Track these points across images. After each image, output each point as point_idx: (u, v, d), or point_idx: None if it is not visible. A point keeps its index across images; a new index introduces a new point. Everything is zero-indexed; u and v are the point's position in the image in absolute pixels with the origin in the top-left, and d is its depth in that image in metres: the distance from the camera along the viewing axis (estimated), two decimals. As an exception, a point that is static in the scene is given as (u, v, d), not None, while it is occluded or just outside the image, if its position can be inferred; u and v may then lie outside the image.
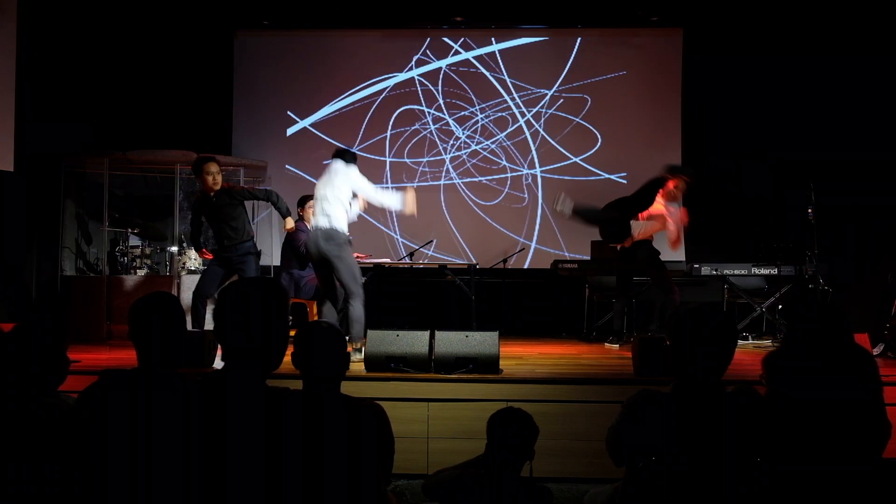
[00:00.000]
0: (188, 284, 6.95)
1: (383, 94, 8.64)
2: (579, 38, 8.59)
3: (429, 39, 8.66)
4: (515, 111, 8.58)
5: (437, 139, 8.62)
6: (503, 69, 8.61)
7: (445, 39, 8.65)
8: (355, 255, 5.61)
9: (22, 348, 2.34)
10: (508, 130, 8.57)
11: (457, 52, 8.64)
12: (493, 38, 8.62)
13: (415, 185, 8.52)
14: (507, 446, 2.66)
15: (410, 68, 8.66)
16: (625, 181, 8.31)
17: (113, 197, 7.57)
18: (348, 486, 2.15)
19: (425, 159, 8.61)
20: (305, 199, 6.33)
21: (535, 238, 8.45)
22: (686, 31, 8.36)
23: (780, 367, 2.41)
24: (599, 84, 8.52)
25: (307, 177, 8.48)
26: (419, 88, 8.64)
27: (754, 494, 2.10)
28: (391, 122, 8.64)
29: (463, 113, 8.62)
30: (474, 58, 8.63)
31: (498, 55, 8.62)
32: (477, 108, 8.61)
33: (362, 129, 8.63)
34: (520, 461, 2.69)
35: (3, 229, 6.73)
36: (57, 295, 7.23)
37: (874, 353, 5.44)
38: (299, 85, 8.67)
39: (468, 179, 8.57)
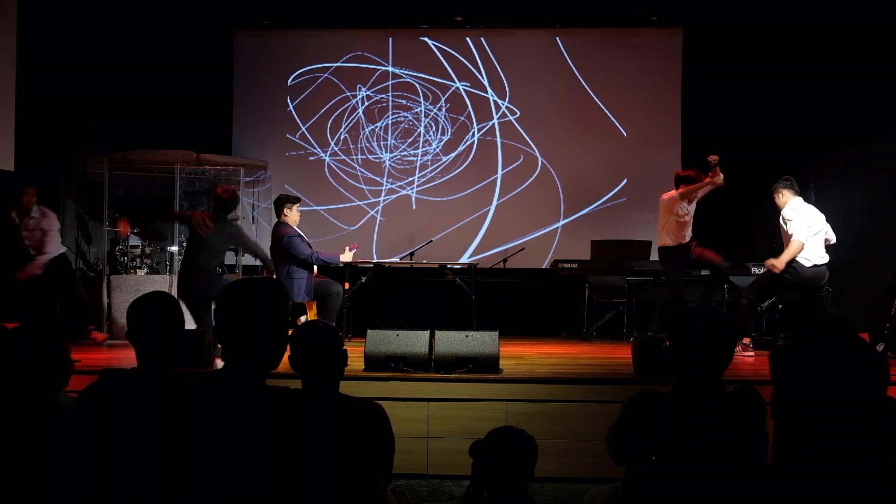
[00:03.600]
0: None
1: (377, 91, 8.65)
2: (579, 39, 8.59)
3: (428, 39, 8.67)
4: (513, 110, 8.58)
5: (434, 138, 8.62)
6: (503, 69, 8.61)
7: (445, 38, 8.65)
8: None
9: (23, 347, 2.33)
10: (505, 132, 8.58)
11: (456, 52, 8.64)
12: (493, 39, 8.62)
13: (413, 190, 8.54)
14: (503, 470, 2.29)
15: (410, 68, 8.66)
16: (624, 181, 8.35)
17: (113, 197, 7.57)
18: (349, 486, 2.15)
19: (420, 159, 8.62)
20: (290, 199, 6.24)
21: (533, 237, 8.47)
22: (686, 31, 8.36)
23: (789, 363, 2.41)
24: (599, 84, 8.52)
25: (306, 177, 8.51)
26: (419, 88, 8.65)
27: (754, 494, 2.09)
28: (390, 121, 8.64)
29: (461, 115, 8.62)
30: (473, 56, 8.63)
31: (498, 55, 8.62)
32: (471, 109, 8.62)
33: (362, 128, 8.65)
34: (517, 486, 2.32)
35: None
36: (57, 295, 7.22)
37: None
38: (299, 85, 8.68)
39: (458, 181, 8.59)
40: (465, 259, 8.38)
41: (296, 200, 6.21)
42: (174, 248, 7.35)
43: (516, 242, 8.26)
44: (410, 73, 8.64)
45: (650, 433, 2.20)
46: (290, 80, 8.67)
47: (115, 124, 7.89)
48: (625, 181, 8.37)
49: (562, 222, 8.47)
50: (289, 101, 8.67)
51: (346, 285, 6.46)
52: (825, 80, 7.46)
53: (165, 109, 8.01)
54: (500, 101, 8.57)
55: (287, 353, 2.21)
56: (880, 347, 5.63)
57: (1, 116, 6.29)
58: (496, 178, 8.55)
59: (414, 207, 8.56)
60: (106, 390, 2.10)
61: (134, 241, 7.48)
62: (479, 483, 2.30)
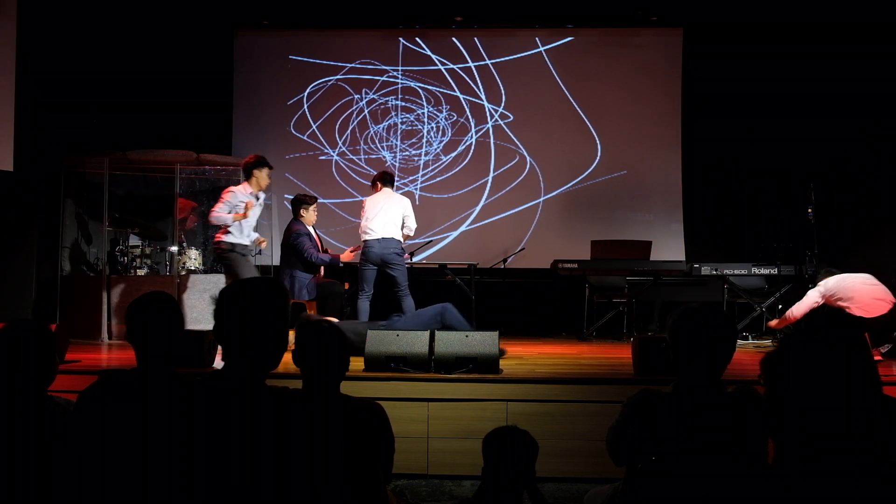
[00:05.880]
0: (188, 284, 6.98)
1: (382, 95, 8.65)
2: (579, 39, 8.59)
3: (427, 40, 8.67)
4: (506, 115, 8.59)
5: (434, 138, 8.62)
6: (501, 72, 8.61)
7: (445, 39, 8.65)
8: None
9: (8, 350, 2.30)
10: (499, 134, 8.58)
11: (457, 53, 8.65)
12: (491, 40, 8.63)
13: (417, 188, 8.55)
14: (503, 471, 2.39)
15: (410, 68, 8.66)
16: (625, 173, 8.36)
17: (113, 197, 7.56)
18: (349, 486, 2.15)
19: (423, 159, 8.62)
20: (306, 200, 6.27)
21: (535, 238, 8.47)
22: (686, 31, 8.36)
23: (778, 369, 2.40)
24: (599, 85, 8.52)
25: (306, 177, 8.51)
26: (420, 89, 8.65)
27: (754, 494, 2.09)
28: (391, 122, 8.65)
29: (460, 117, 8.62)
30: (473, 57, 8.64)
31: (496, 58, 8.62)
32: (469, 112, 8.62)
33: (364, 129, 8.65)
34: (519, 486, 2.43)
35: (3, 229, 6.73)
36: (57, 295, 7.23)
37: (881, 352, 5.46)
38: (301, 85, 8.69)
39: (462, 182, 8.59)
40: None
41: (312, 201, 6.28)
42: (174, 248, 7.35)
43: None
44: (412, 76, 8.65)
45: (650, 433, 2.19)
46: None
47: (115, 124, 7.88)
48: (625, 173, 8.37)
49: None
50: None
51: (346, 285, 6.47)
52: (825, 80, 7.46)
53: (165, 109, 8.00)
54: (495, 108, 8.57)
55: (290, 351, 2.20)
56: (886, 348, 5.62)
57: (1, 117, 6.29)
58: (488, 179, 8.55)
59: (417, 203, 8.58)
60: (106, 390, 2.10)
61: (134, 240, 7.49)
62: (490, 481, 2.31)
